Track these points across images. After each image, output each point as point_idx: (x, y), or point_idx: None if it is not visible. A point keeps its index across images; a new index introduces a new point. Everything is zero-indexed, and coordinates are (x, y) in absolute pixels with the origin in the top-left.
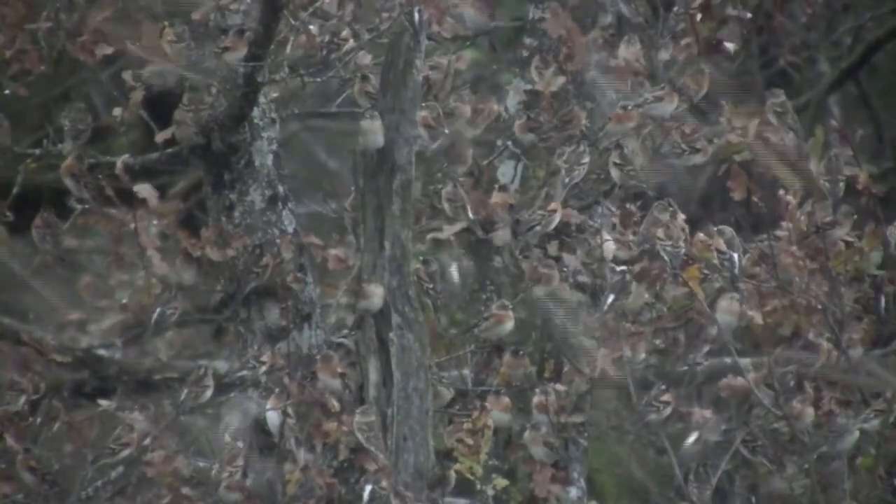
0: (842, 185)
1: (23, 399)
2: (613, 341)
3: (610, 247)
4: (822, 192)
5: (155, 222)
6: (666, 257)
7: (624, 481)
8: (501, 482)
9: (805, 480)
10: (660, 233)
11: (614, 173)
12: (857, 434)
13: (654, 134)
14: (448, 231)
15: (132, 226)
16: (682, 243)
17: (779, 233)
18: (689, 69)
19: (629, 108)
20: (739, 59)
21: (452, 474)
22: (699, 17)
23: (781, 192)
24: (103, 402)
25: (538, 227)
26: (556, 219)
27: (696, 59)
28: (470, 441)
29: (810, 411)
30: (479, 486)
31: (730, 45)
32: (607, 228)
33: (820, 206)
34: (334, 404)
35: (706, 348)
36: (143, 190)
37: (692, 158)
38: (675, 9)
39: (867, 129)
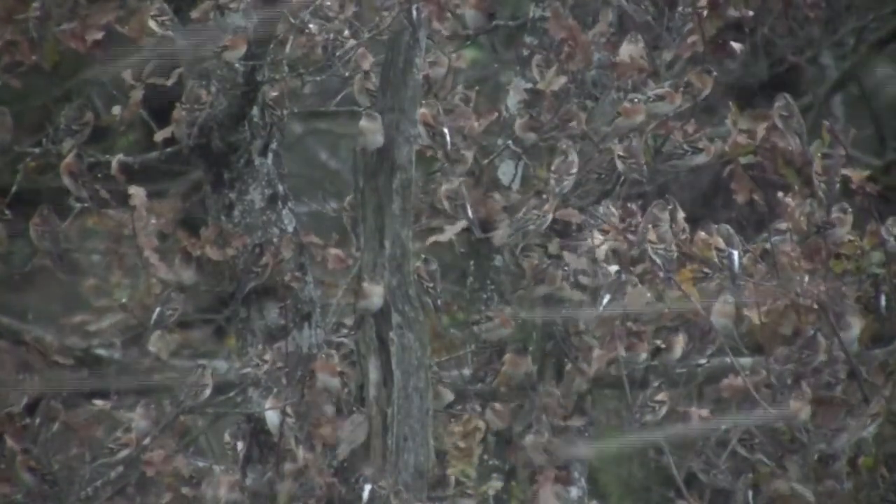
0: (838, 184)
1: (24, 400)
2: (609, 342)
3: (603, 248)
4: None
5: (153, 221)
6: (658, 261)
7: (625, 481)
8: (495, 484)
9: (807, 483)
10: (651, 236)
11: (619, 165)
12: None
13: (656, 134)
14: (448, 232)
15: (130, 226)
16: (674, 246)
17: (781, 226)
18: (693, 68)
19: (636, 100)
20: (741, 58)
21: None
22: (705, 14)
23: (780, 194)
24: (103, 403)
25: (532, 227)
26: (549, 218)
27: (702, 57)
28: (462, 444)
29: (807, 409)
30: (471, 490)
31: (736, 46)
32: (601, 230)
33: (820, 207)
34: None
35: (710, 350)
36: (136, 195)
37: (694, 159)
38: (681, 8)
39: (869, 128)
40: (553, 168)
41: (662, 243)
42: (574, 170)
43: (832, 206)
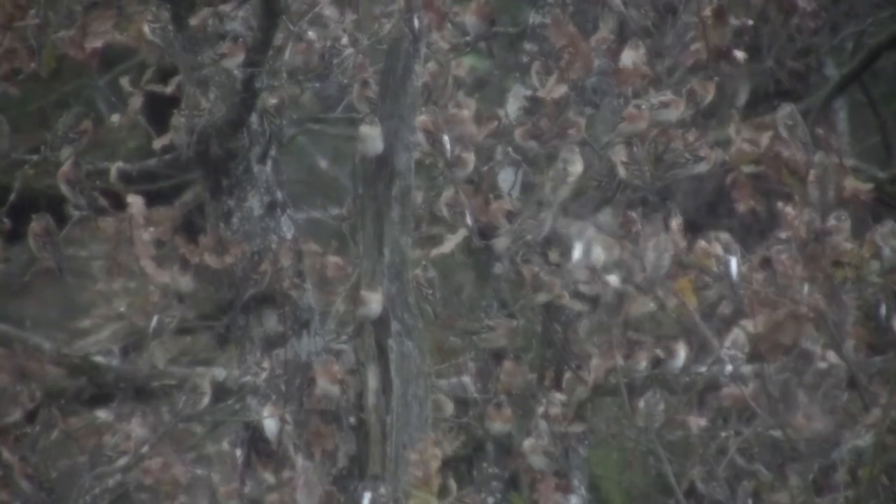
0: (832, 192)
1: (20, 409)
2: (607, 351)
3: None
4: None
5: (151, 229)
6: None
7: (626, 488)
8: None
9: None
10: (650, 246)
11: (622, 172)
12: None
13: (658, 141)
14: (450, 243)
15: (127, 234)
16: (666, 255)
17: (781, 235)
18: (695, 75)
19: (642, 107)
20: (742, 65)
21: (453, 483)
22: (709, 23)
23: (780, 203)
24: (100, 413)
25: (529, 237)
26: (547, 227)
27: (705, 64)
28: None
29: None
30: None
31: (739, 54)
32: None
33: (819, 214)
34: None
35: (711, 359)
36: (134, 203)
37: (695, 167)
38: (684, 16)
39: (874, 135)
40: (550, 175)
41: (656, 252)
42: (570, 178)
43: (826, 214)
